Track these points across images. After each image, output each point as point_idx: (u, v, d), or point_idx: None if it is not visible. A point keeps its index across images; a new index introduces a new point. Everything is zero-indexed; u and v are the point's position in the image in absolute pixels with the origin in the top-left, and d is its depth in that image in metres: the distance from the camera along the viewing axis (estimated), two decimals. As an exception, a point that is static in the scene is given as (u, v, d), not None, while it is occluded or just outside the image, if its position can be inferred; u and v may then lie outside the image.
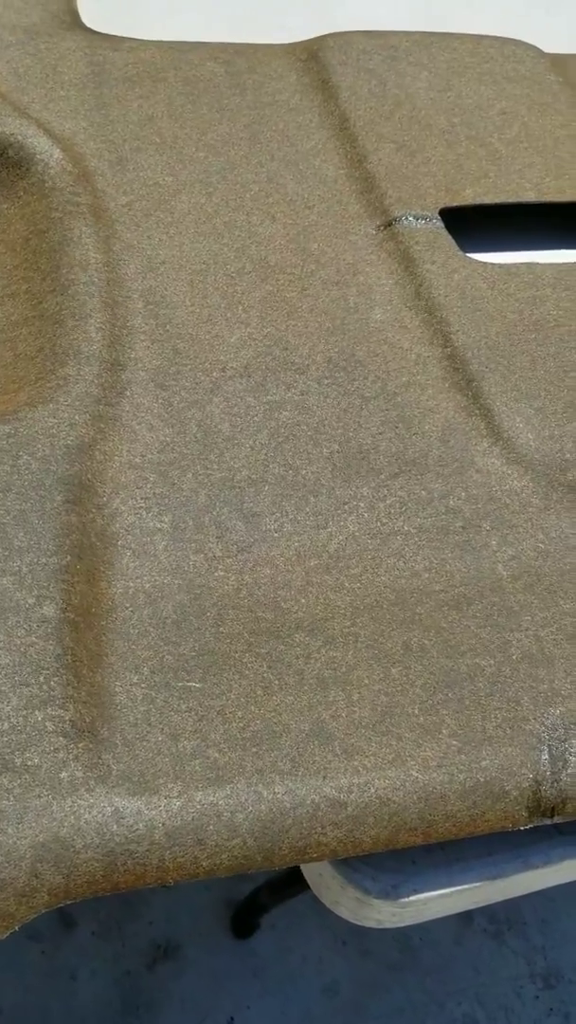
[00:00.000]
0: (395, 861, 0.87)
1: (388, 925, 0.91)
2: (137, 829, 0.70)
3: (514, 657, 0.85)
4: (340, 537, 0.92)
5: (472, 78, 1.39)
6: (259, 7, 1.53)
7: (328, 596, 0.87)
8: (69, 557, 0.82)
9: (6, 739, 0.71)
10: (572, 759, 0.80)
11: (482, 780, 0.77)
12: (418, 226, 1.19)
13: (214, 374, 1.01)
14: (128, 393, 0.97)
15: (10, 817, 0.68)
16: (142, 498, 0.90)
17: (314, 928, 1.67)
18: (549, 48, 1.51)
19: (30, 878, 0.67)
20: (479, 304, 1.13)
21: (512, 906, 1.76)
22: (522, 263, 1.20)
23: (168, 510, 0.90)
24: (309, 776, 0.74)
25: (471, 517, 0.95)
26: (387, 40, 1.40)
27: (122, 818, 0.70)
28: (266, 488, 0.93)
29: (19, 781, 0.69)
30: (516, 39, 1.47)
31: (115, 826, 0.69)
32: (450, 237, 1.19)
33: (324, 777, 0.74)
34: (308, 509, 0.93)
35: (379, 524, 0.93)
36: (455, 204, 1.23)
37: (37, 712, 0.72)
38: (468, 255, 1.19)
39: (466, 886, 0.89)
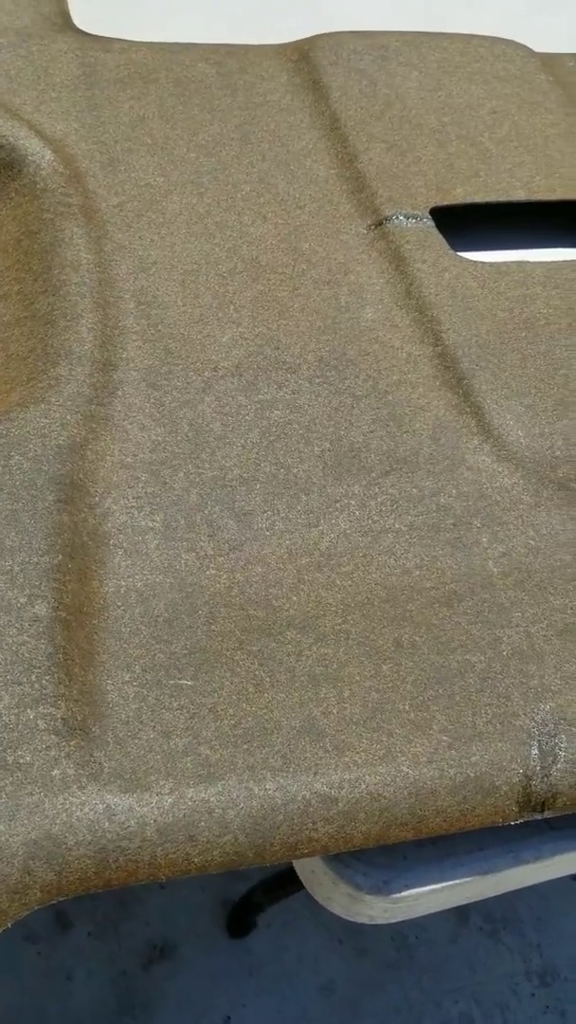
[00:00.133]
0: (386, 857, 0.88)
1: (380, 921, 0.91)
2: (129, 826, 0.70)
3: (504, 653, 0.85)
4: (331, 535, 0.92)
5: (462, 77, 1.39)
6: (250, 9, 1.53)
7: (319, 594, 0.88)
8: (61, 556, 0.82)
9: None
10: (562, 754, 0.80)
11: (472, 775, 0.78)
12: (409, 225, 1.20)
13: (206, 373, 1.01)
14: (120, 393, 0.97)
15: (2, 814, 0.68)
16: (134, 497, 0.90)
17: (310, 927, 1.68)
18: (542, 48, 1.52)
19: (22, 875, 0.67)
20: (470, 303, 1.13)
21: (508, 904, 1.76)
22: (512, 262, 1.20)
23: (160, 509, 0.90)
24: (300, 772, 0.74)
25: (462, 514, 0.96)
26: (377, 40, 1.40)
27: (114, 815, 0.70)
28: (257, 487, 0.94)
29: (11, 779, 0.70)
30: (506, 38, 1.47)
31: (107, 823, 0.70)
32: (441, 236, 1.20)
33: (315, 773, 0.75)
34: (300, 507, 0.93)
35: (370, 522, 0.94)
36: (446, 203, 1.23)
37: (29, 710, 0.73)
38: (459, 254, 1.19)
39: (457, 881, 0.89)
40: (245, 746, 0.75)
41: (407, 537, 0.93)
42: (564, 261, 1.22)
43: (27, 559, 0.80)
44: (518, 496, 0.98)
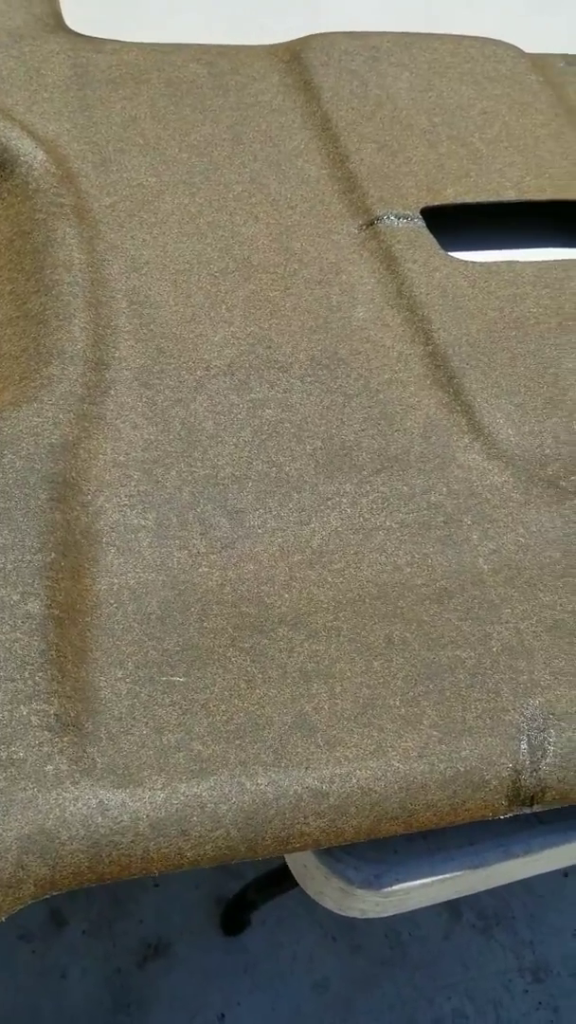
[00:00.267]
0: (378, 851, 0.88)
1: (372, 915, 0.92)
2: (122, 821, 0.71)
3: (494, 649, 0.86)
4: (323, 533, 0.93)
5: (453, 78, 1.40)
6: (244, 10, 1.54)
7: (311, 591, 0.88)
8: (54, 554, 0.82)
9: None
10: (551, 748, 0.81)
11: (462, 770, 0.78)
12: (400, 225, 1.20)
13: (198, 372, 1.02)
14: (112, 392, 0.98)
15: (-4, 810, 0.69)
16: (126, 496, 0.91)
17: (304, 924, 1.68)
18: (537, 48, 1.53)
19: (16, 869, 0.68)
20: (460, 302, 1.14)
21: (501, 901, 1.77)
22: (502, 261, 1.21)
23: (152, 507, 0.90)
24: (292, 767, 0.75)
25: (452, 512, 0.96)
26: (369, 41, 1.41)
27: (107, 810, 0.70)
28: (250, 485, 0.94)
29: (5, 774, 0.70)
30: (496, 39, 1.48)
31: (100, 818, 0.70)
32: (431, 236, 1.20)
33: (307, 768, 0.75)
34: (291, 505, 0.94)
35: (362, 519, 0.94)
36: (436, 203, 1.24)
37: (22, 707, 0.73)
38: (449, 254, 1.20)
39: (448, 875, 0.90)
40: (237, 742, 0.76)
41: (398, 535, 0.94)
42: (554, 261, 1.23)
43: (20, 557, 0.81)
44: (508, 494, 0.99)
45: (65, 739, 0.73)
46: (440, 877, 0.90)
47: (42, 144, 1.16)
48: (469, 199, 1.25)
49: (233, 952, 1.64)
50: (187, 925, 1.65)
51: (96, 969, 1.60)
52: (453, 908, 1.74)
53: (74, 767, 0.71)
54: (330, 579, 0.89)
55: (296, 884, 0.99)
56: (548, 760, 0.80)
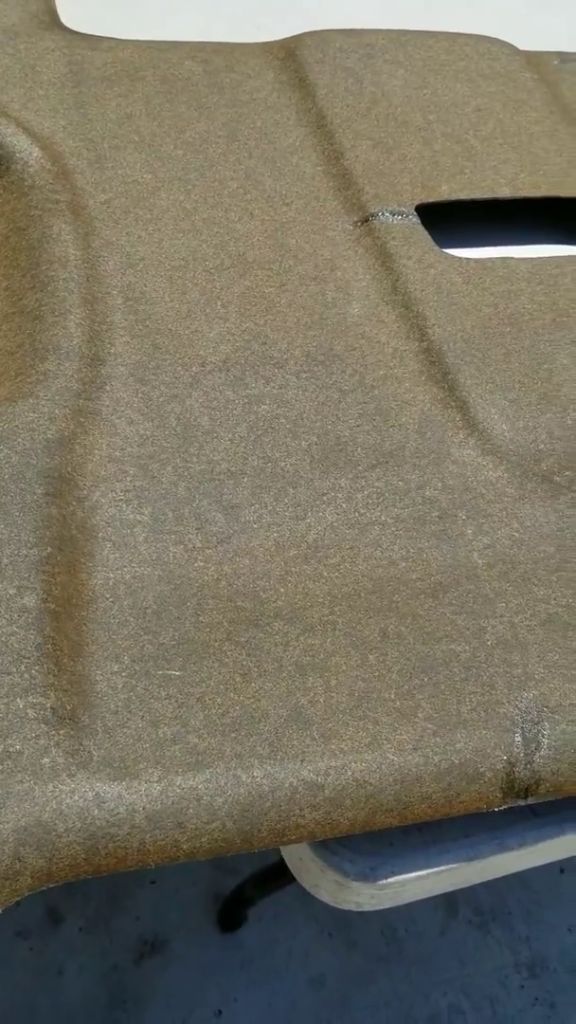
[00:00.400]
0: (373, 844, 0.89)
1: (367, 907, 0.92)
2: (118, 813, 0.71)
3: (489, 643, 0.86)
4: (319, 527, 0.93)
5: (448, 75, 1.41)
6: (240, 8, 1.54)
7: (307, 585, 0.89)
8: (50, 549, 0.83)
9: None
10: (545, 741, 0.81)
11: (457, 762, 0.79)
12: (395, 222, 1.21)
13: (193, 368, 1.02)
14: (108, 388, 0.98)
15: (-8, 803, 0.69)
16: (122, 491, 0.91)
17: (300, 920, 1.69)
18: (529, 46, 1.53)
19: (13, 861, 0.68)
20: (455, 298, 1.14)
21: (497, 897, 1.78)
22: (497, 258, 1.21)
23: (148, 502, 0.91)
24: (287, 760, 0.75)
25: (447, 507, 0.97)
26: (363, 38, 1.41)
27: (103, 802, 0.71)
28: (245, 480, 0.95)
29: (1, 767, 0.70)
30: (491, 37, 1.48)
31: (96, 810, 0.70)
32: (426, 233, 1.21)
33: (302, 761, 0.76)
34: (287, 500, 0.94)
35: (357, 514, 0.95)
36: (431, 200, 1.24)
37: (19, 700, 0.73)
38: (444, 250, 1.20)
39: (443, 868, 0.90)
40: (233, 734, 0.76)
41: (393, 529, 0.94)
42: (548, 257, 1.23)
43: (16, 551, 0.81)
44: (503, 489, 0.99)
45: (61, 732, 0.73)
46: (436, 870, 0.90)
47: (38, 141, 1.16)
48: (464, 196, 1.26)
49: (230, 948, 1.64)
50: (184, 922, 1.66)
51: (93, 966, 1.60)
52: (449, 904, 1.75)
53: (70, 760, 0.72)
54: (325, 574, 0.90)
55: (292, 880, 1.00)
56: (542, 753, 0.81)
